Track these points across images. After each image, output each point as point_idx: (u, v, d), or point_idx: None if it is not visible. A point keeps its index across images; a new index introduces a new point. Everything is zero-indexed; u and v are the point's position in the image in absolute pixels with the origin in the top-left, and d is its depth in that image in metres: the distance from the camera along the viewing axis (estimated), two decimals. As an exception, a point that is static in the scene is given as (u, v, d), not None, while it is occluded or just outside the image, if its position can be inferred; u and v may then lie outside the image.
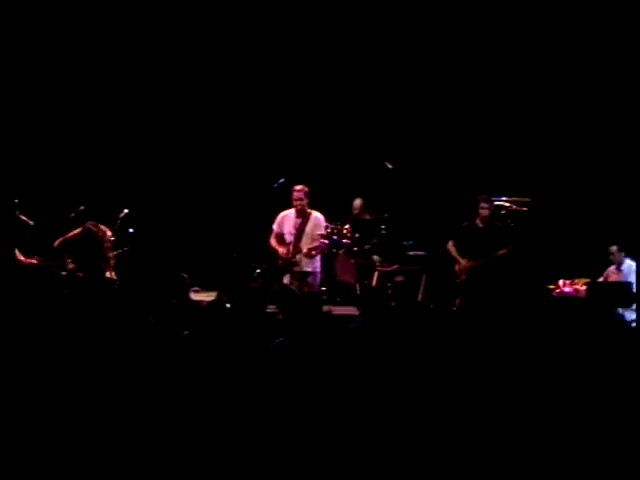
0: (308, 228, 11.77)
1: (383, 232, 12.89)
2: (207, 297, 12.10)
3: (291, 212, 11.81)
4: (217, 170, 14.52)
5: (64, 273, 12.30)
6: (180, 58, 14.50)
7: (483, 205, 11.81)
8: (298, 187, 11.71)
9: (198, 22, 14.39)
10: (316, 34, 14.20)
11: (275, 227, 11.86)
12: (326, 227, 12.04)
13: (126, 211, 12.42)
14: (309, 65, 14.39)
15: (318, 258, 11.87)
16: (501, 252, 11.69)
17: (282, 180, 12.40)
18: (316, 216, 11.83)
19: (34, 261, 12.51)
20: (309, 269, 11.71)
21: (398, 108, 14.20)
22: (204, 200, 14.27)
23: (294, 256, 11.63)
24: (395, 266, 12.85)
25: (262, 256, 12.62)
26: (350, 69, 14.26)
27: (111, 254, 12.18)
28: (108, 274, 11.85)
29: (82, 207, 12.64)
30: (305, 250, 11.63)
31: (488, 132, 13.85)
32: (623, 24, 13.06)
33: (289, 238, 11.72)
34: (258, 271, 12.53)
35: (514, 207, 12.27)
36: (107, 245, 12.15)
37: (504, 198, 12.34)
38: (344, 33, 14.14)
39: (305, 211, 11.76)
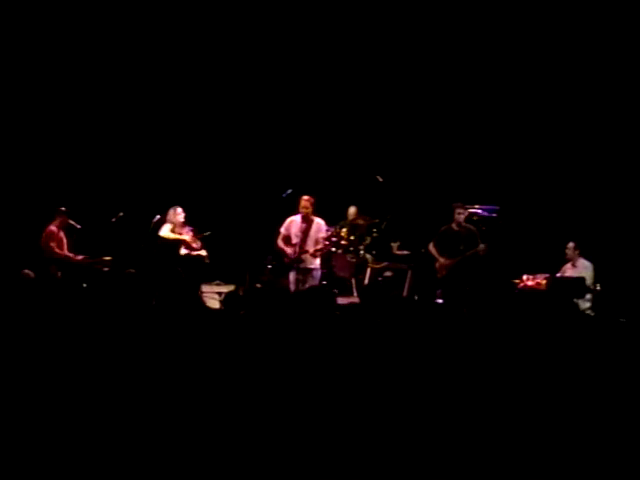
0: (312, 232, 11.66)
1: (374, 234, 12.82)
2: (226, 289, 12.10)
3: (297, 217, 11.70)
4: (237, 182, 14.47)
5: (106, 269, 12.28)
6: (200, 79, 14.44)
7: (459, 211, 11.74)
8: (305, 197, 11.67)
9: (213, 41, 14.32)
10: (320, 65, 14.18)
11: (283, 230, 11.74)
12: (327, 230, 11.98)
13: (158, 217, 12.33)
14: (316, 94, 14.34)
15: (318, 259, 11.76)
16: (473, 251, 11.60)
17: (289, 190, 12.40)
18: (318, 222, 11.73)
19: (81, 258, 12.48)
20: (312, 266, 11.61)
21: (387, 132, 14.16)
22: (225, 207, 14.20)
23: (300, 255, 11.52)
24: (385, 263, 12.81)
25: (272, 255, 12.60)
26: (347, 102, 14.25)
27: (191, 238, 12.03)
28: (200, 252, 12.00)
29: (121, 213, 12.61)
30: (311, 251, 11.53)
31: (463, 151, 13.81)
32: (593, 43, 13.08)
33: (295, 240, 11.60)
34: (269, 267, 12.45)
35: (485, 214, 12.19)
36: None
37: (477, 206, 12.27)
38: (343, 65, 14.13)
39: (309, 217, 11.66)
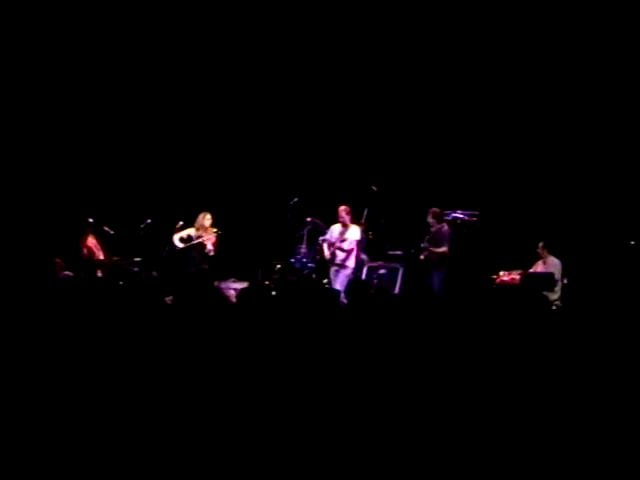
0: (347, 235, 12.07)
1: (370, 237, 12.84)
2: (240, 285, 12.14)
3: (338, 225, 12.14)
4: (250, 192, 14.47)
5: (136, 269, 12.33)
6: (217, 93, 14.47)
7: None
8: (342, 207, 12.12)
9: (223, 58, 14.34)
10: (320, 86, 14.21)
11: (327, 235, 12.13)
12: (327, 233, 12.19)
13: (181, 223, 12.38)
14: (319, 111, 14.38)
15: (353, 259, 12.04)
16: (438, 249, 11.65)
17: (296, 199, 12.51)
18: (354, 227, 12.10)
19: (112, 260, 12.55)
20: (346, 263, 11.99)
21: (381, 148, 14.17)
22: (240, 213, 14.20)
23: (334, 251, 11.97)
24: (379, 262, 12.80)
25: (281, 255, 12.68)
26: (347, 123, 14.27)
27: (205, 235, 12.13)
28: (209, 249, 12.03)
29: (149, 220, 12.65)
30: (338, 245, 11.98)
31: (448, 164, 13.82)
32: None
33: (333, 241, 12.03)
34: (278, 266, 12.52)
35: (466, 218, 12.22)
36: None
37: (459, 212, 12.30)
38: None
39: (347, 224, 12.08)
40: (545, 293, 11.12)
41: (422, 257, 11.78)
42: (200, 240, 12.13)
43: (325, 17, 13.90)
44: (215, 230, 12.21)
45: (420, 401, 4.71)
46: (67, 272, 10.06)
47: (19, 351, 4.85)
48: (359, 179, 13.34)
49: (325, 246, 12.04)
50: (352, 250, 11.99)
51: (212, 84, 14.44)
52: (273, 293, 8.23)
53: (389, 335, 5.86)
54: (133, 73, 14.22)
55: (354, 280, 11.45)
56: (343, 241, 12.01)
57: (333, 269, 12.00)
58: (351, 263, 12.02)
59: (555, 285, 11.58)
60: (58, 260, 10.61)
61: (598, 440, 4.36)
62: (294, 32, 14.00)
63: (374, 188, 12.91)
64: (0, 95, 13.55)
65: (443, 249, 11.64)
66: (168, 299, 7.87)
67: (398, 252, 12.79)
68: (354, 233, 12.06)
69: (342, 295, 9.74)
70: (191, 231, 12.25)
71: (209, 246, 12.07)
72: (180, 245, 12.20)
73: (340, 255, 11.97)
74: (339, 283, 11.67)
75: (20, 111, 13.74)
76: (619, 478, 4.17)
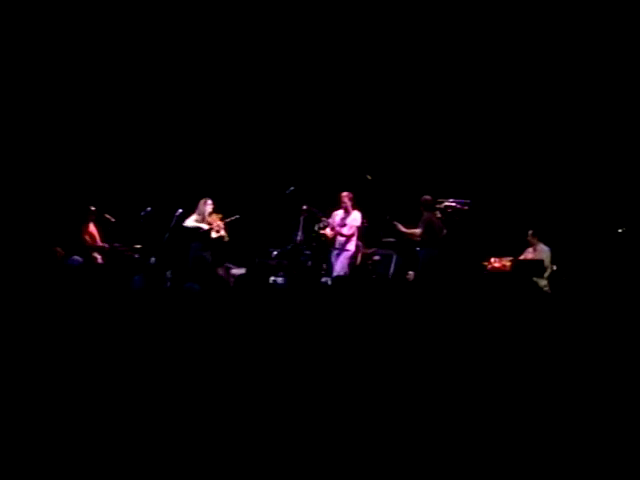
0: (348, 220, 12.19)
1: (365, 225, 12.86)
2: (238, 271, 12.21)
3: (340, 210, 12.27)
4: (247, 181, 14.49)
5: (137, 255, 12.38)
6: (226, 90, 14.49)
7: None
8: (344, 193, 12.24)
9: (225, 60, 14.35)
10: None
11: (330, 220, 12.24)
12: (323, 221, 12.20)
13: (180, 210, 12.38)
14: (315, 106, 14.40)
15: (353, 243, 12.17)
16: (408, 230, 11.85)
17: (292, 188, 12.53)
18: (355, 213, 12.21)
19: (115, 245, 12.60)
20: (346, 247, 12.11)
21: (376, 138, 14.21)
22: (238, 201, 14.20)
23: (335, 236, 12.12)
24: (373, 249, 12.86)
25: (277, 242, 12.72)
26: (343, 115, 14.29)
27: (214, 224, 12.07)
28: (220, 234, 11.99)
29: (149, 208, 12.66)
30: (340, 230, 12.12)
31: (440, 154, 13.86)
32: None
33: (335, 226, 12.16)
34: (275, 253, 12.56)
35: (458, 206, 12.25)
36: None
37: (451, 200, 12.33)
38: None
39: (348, 209, 12.20)
40: (535, 279, 11.26)
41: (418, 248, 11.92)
42: (207, 227, 12.10)
43: (316, 8, 13.89)
44: (220, 216, 12.22)
45: (413, 387, 4.75)
46: (77, 257, 10.13)
47: (22, 334, 4.89)
48: (354, 168, 13.37)
49: (328, 229, 12.21)
50: (352, 234, 12.14)
51: (209, 74, 14.45)
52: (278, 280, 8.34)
53: (382, 321, 5.92)
54: (131, 64, 14.22)
55: (353, 266, 11.59)
56: (343, 226, 12.12)
57: (334, 252, 12.15)
58: (351, 247, 12.20)
59: (544, 271, 11.65)
60: (58, 249, 10.65)
61: (587, 421, 4.40)
62: (288, 23, 13.99)
63: (369, 177, 12.95)
64: (1, 86, 13.54)
65: (413, 230, 11.79)
66: (167, 273, 7.94)
67: (392, 239, 12.84)
68: (355, 219, 12.18)
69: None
70: (202, 224, 12.18)
71: (222, 232, 12.08)
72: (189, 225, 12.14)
73: (340, 239, 12.13)
74: (339, 265, 11.86)
75: (21, 101, 13.74)
76: (608, 459, 4.21)
